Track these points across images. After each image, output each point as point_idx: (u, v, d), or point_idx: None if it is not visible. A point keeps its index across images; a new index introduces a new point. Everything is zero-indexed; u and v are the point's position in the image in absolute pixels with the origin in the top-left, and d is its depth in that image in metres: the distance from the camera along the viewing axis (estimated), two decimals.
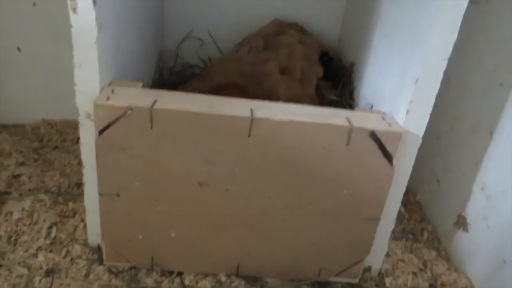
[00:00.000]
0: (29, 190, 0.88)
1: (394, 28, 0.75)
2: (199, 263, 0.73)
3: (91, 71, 0.61)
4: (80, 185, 0.90)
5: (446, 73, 0.93)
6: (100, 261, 0.73)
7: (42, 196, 0.85)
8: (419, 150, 1.07)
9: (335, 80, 0.99)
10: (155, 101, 0.61)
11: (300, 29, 1.02)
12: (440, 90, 0.96)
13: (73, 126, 1.14)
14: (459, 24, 0.59)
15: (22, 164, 0.97)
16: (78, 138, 0.66)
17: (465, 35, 0.87)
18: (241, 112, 0.62)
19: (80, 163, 0.69)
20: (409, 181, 1.08)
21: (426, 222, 0.96)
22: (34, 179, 0.92)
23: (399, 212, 0.98)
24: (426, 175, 0.99)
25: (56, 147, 1.07)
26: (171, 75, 1.11)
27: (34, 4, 1.03)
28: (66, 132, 1.13)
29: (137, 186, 0.65)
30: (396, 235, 0.91)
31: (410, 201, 1.02)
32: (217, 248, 0.72)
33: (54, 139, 1.10)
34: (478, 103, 0.82)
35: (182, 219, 0.68)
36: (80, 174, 0.70)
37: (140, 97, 0.62)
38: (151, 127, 0.61)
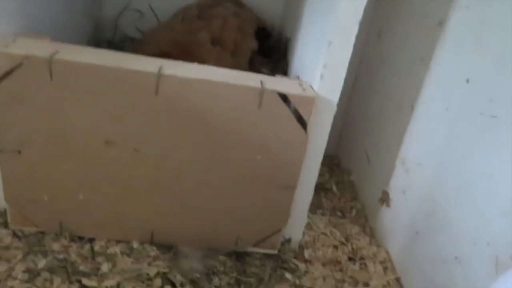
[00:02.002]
0: None
1: (316, 11, 0.75)
2: (111, 229, 0.71)
3: None
4: None
5: (380, 52, 0.94)
6: (5, 225, 0.70)
7: None
8: (353, 129, 1.08)
9: (273, 56, 0.98)
10: (56, 52, 0.58)
11: (237, 3, 1.01)
12: (372, 69, 0.97)
13: None
14: None
15: None
16: None
17: (394, 16, 0.89)
18: (148, 68, 0.60)
19: None
20: (344, 161, 1.09)
21: (357, 201, 0.96)
22: None
23: (331, 190, 0.99)
24: (359, 154, 0.99)
25: None
26: (109, 47, 1.08)
27: None
28: None
29: (39, 142, 0.62)
30: (325, 212, 0.91)
31: (343, 180, 1.02)
32: (129, 213, 0.69)
33: None
34: (403, 79, 0.83)
35: (90, 180, 0.66)
36: None
37: (42, 48, 0.59)
38: (51, 79, 0.58)
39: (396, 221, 0.79)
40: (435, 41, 0.72)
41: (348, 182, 1.02)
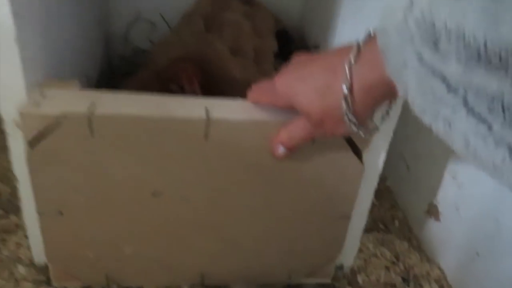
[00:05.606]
0: None
1: (357, 12, 0.69)
2: (160, 276, 0.67)
3: (14, 73, 0.52)
4: None
5: None
6: (48, 282, 0.66)
7: None
8: None
9: None
10: (94, 105, 0.53)
11: (246, 1, 0.92)
12: None
13: None
14: None
15: None
16: None
17: None
18: (195, 112, 0.55)
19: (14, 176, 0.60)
20: None
21: (397, 209, 0.93)
22: None
23: None
24: (395, 160, 0.96)
25: None
26: (121, 62, 1.01)
27: None
28: None
29: (82, 201, 0.57)
30: (367, 226, 0.87)
31: (380, 187, 0.98)
32: (178, 260, 0.66)
33: None
34: None
35: (137, 234, 0.62)
36: None
37: (76, 100, 0.54)
38: (92, 135, 0.53)
39: (449, 237, 0.76)
40: None
41: (385, 188, 0.98)
